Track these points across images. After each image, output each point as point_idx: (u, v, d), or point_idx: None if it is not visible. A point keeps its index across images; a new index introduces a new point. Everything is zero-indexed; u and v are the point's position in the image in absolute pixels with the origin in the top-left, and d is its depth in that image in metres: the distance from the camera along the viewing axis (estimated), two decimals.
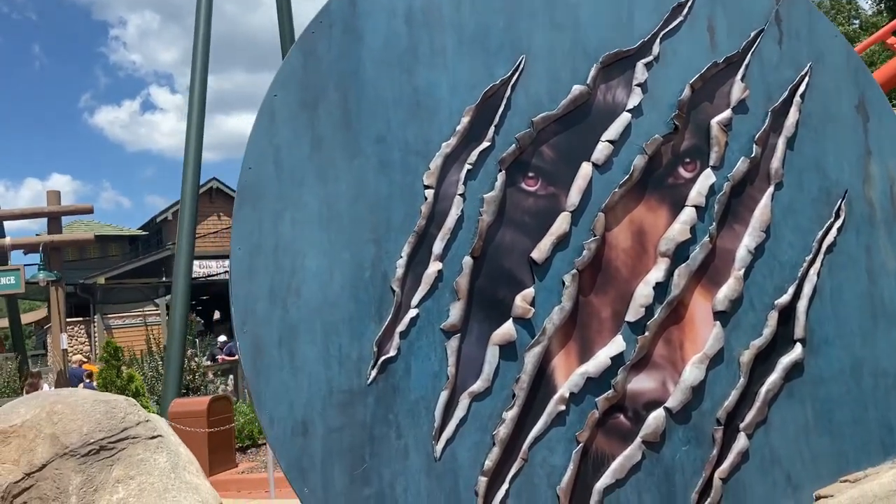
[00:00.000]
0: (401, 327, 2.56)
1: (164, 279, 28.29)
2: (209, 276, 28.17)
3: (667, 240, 2.78)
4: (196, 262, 31.03)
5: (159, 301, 28.63)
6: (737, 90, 2.94)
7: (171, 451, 2.68)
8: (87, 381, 14.01)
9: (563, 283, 2.68)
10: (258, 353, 2.44)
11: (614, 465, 2.63)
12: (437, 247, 2.63)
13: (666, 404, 2.70)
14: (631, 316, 2.72)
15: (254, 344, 2.44)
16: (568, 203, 2.74)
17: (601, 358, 2.68)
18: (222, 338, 14.89)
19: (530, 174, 2.76)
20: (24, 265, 9.82)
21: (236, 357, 11.81)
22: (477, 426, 2.56)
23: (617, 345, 2.69)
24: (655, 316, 2.73)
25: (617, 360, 2.68)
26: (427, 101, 2.70)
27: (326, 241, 2.55)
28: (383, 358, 2.53)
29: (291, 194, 2.54)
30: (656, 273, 2.76)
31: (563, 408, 2.62)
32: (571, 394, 2.63)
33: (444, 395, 2.55)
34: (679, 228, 2.80)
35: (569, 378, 2.65)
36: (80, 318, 27.28)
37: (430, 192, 2.65)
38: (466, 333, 2.61)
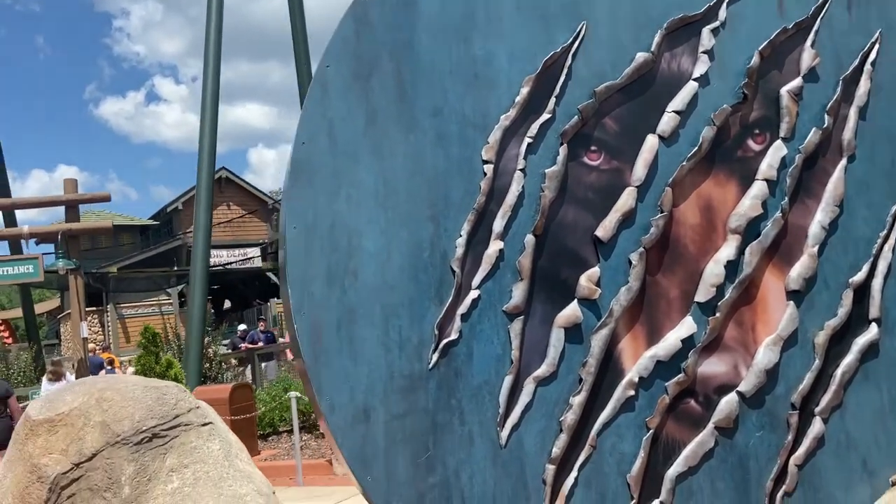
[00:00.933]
0: (462, 309, 2.44)
1: (175, 268, 28.32)
2: (219, 265, 28.16)
3: (737, 215, 2.64)
4: None
5: (171, 290, 28.68)
6: (807, 57, 2.78)
7: (222, 439, 2.57)
8: (109, 367, 14.00)
9: (630, 263, 2.55)
10: (316, 338, 2.32)
11: (686, 451, 2.51)
12: (498, 225, 2.50)
13: (738, 388, 2.57)
14: (701, 296, 2.59)
15: (312, 328, 2.32)
16: (633, 178, 2.60)
17: (671, 340, 2.55)
18: (242, 326, 14.85)
19: (593, 148, 2.61)
20: (42, 254, 9.75)
21: (258, 345, 11.81)
22: (543, 412, 2.44)
23: (687, 326, 2.56)
24: (726, 296, 2.59)
25: (687, 342, 2.55)
26: (485, 72, 2.56)
27: (383, 219, 2.42)
28: (445, 341, 2.40)
29: (346, 170, 2.41)
30: (727, 251, 2.62)
31: (631, 393, 2.50)
32: (640, 378, 2.51)
33: (508, 380, 2.43)
34: (750, 203, 2.65)
35: (637, 362, 2.53)
36: (94, 308, 27.34)
37: (489, 168, 2.51)
38: (529, 315, 2.49)
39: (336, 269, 2.37)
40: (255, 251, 29.90)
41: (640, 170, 2.60)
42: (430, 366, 2.39)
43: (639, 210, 2.59)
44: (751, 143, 2.72)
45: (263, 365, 11.18)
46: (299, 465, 6.45)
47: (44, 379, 11.39)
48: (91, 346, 14.31)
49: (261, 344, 11.47)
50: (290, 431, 9.40)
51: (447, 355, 2.41)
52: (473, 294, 2.45)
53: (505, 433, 2.40)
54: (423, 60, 2.52)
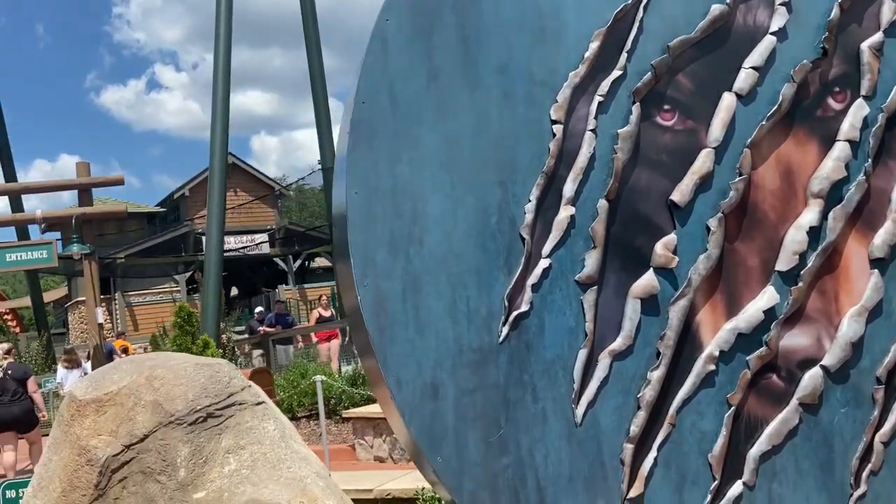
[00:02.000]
0: (532, 279, 2.29)
1: (183, 255, 28.23)
2: (227, 251, 28.05)
3: (819, 178, 2.48)
4: None
5: (179, 277, 28.62)
6: (887, 10, 2.60)
7: (276, 419, 2.44)
8: (124, 355, 13.94)
9: (709, 229, 2.39)
10: (381, 309, 2.17)
11: (769, 429, 2.37)
12: (568, 189, 2.34)
13: (822, 362, 2.42)
14: (782, 264, 2.43)
15: (376, 298, 2.17)
16: (710, 138, 2.44)
17: (752, 312, 2.39)
18: (259, 308, 14.74)
19: (666, 107, 2.45)
20: (56, 240, 9.63)
21: (276, 328, 11.69)
22: (619, 388, 2.30)
23: (769, 296, 2.40)
24: (809, 264, 2.44)
25: (769, 313, 2.40)
26: (552, 25, 2.39)
27: (448, 183, 2.27)
28: (515, 313, 2.26)
29: (409, 131, 2.25)
30: (809, 216, 2.46)
31: (712, 367, 2.35)
32: (721, 352, 2.36)
33: (582, 354, 2.28)
34: (832, 166, 2.49)
35: (717, 334, 2.38)
36: (102, 296, 27.31)
37: (558, 128, 2.35)
38: (603, 285, 2.34)
39: (400, 236, 2.22)
40: (262, 237, 29.78)
41: (717, 130, 2.44)
42: (501, 339, 2.24)
43: (716, 173, 2.43)
44: (831, 101, 2.55)
45: (279, 349, 11.08)
46: (326, 451, 6.34)
47: (59, 366, 11.37)
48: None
49: (279, 328, 11.36)
50: (310, 417, 9.32)
51: (518, 328, 2.26)
52: (544, 263, 2.30)
53: (580, 410, 2.26)
54: (486, 14, 2.35)
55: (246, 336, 13.86)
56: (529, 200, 2.31)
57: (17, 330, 29.97)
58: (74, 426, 2.26)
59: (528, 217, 2.30)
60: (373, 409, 7.84)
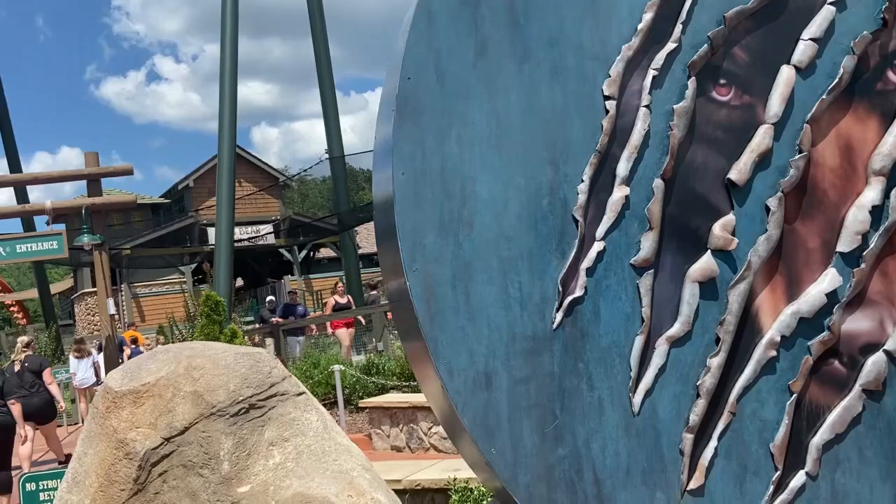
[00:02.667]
0: (586, 263, 2.19)
1: (188, 246, 28.16)
2: (234, 240, 27.95)
3: (881, 155, 2.37)
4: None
5: (184, 269, 28.57)
6: None
7: (318, 410, 2.35)
8: (134, 346, 13.88)
9: (768, 209, 2.29)
10: (431, 295, 2.07)
11: (832, 417, 2.27)
12: (622, 168, 2.24)
13: (885, 347, 2.32)
14: (844, 245, 2.33)
15: (426, 284, 2.07)
16: (769, 114, 2.33)
17: (814, 295, 2.29)
18: (270, 298, 14.70)
19: (722, 81, 2.34)
20: (66, 230, 9.53)
21: (290, 319, 11.60)
22: (678, 376, 2.20)
23: (831, 279, 2.30)
24: (871, 245, 2.33)
25: (831, 297, 2.30)
26: None
27: (498, 163, 2.16)
28: (569, 298, 2.16)
29: (456, 108, 2.15)
30: (871, 194, 2.35)
31: (773, 353, 2.25)
32: (782, 337, 2.26)
33: (639, 341, 2.19)
34: (894, 142, 2.38)
35: (777, 319, 2.28)
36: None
37: (611, 104, 2.24)
38: (659, 269, 2.23)
39: (449, 218, 2.12)
40: (267, 228, 29.69)
41: (776, 105, 2.33)
42: (555, 326, 2.14)
43: (775, 150, 2.32)
44: (891, 74, 2.44)
45: (289, 340, 10.98)
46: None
47: (70, 357, 11.38)
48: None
49: (292, 318, 11.27)
50: (324, 407, 9.25)
51: (572, 314, 2.16)
52: (598, 246, 2.20)
53: (637, 399, 2.17)
54: None
55: (256, 326, 13.84)
56: (582, 180, 2.21)
57: (24, 322, 29.98)
58: (111, 419, 2.17)
59: (581, 198, 2.20)
60: (389, 399, 7.77)
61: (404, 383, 8.42)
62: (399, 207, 2.08)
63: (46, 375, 8.13)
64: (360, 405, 8.27)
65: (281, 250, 30.08)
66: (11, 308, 32.28)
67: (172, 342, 15.89)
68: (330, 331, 11.28)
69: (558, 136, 2.21)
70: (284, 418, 2.21)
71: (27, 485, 4.59)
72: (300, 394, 2.32)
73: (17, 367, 8.00)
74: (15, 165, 19.70)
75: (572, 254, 2.18)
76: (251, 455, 2.11)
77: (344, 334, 10.97)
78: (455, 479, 3.53)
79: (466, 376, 2.07)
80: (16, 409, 6.99)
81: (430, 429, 7.16)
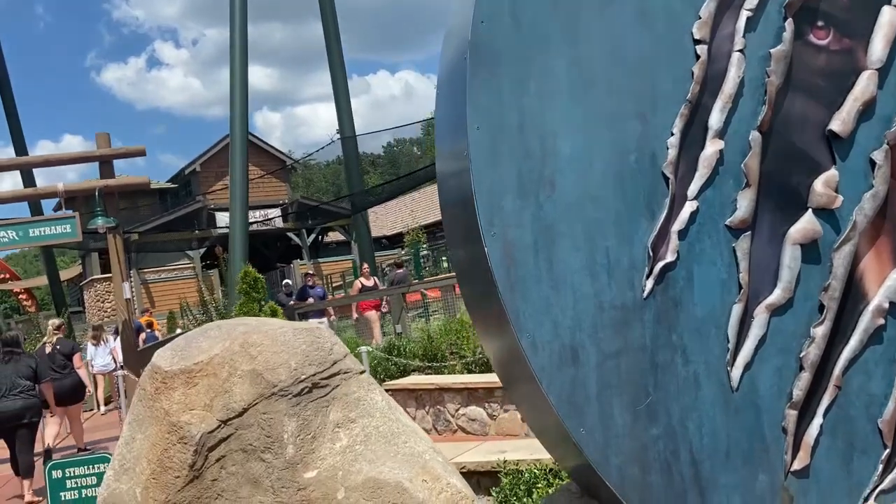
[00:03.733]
0: (677, 225, 1.99)
1: (196, 231, 27.99)
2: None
3: None
4: (227, 214, 30.68)
5: (193, 253, 28.44)
6: None
7: (380, 389, 2.17)
8: (150, 331, 13.78)
9: (874, 163, 2.08)
10: (511, 262, 1.88)
11: None
12: (715, 120, 2.03)
13: None
14: None
15: (505, 250, 1.88)
16: (871, 58, 2.11)
17: None
18: (287, 281, 14.54)
19: (819, 23, 2.12)
20: (78, 214, 9.35)
21: (309, 301, 11.43)
22: (779, 347, 2.01)
23: None
24: None
25: None
26: None
27: (580, 116, 1.96)
28: (660, 264, 1.96)
29: (534, 57, 1.94)
30: None
31: (880, 321, 2.06)
32: (891, 304, 2.07)
33: (736, 310, 1.99)
34: None
35: (883, 284, 2.08)
36: None
37: (702, 49, 2.03)
38: (757, 230, 2.04)
39: (529, 177, 1.92)
40: (275, 212, 29.49)
41: (879, 49, 2.11)
42: (645, 294, 1.95)
43: (879, 98, 2.11)
44: None
45: (311, 322, 10.74)
46: None
47: (88, 343, 11.31)
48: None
49: (311, 300, 11.10)
50: None
51: (663, 281, 1.97)
52: (690, 206, 2.00)
53: (736, 373, 1.98)
54: None
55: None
56: (672, 134, 2.00)
57: (33, 309, 29.99)
58: (161, 400, 1.99)
59: (671, 153, 2.00)
60: (414, 381, 7.61)
61: (427, 364, 8.26)
62: (475, 166, 1.88)
63: (76, 359, 8.14)
64: (385, 388, 8.11)
65: (289, 234, 29.91)
66: (20, 296, 32.28)
67: (185, 329, 15.79)
68: (360, 312, 11.13)
69: (645, 86, 2.00)
70: (349, 398, 2.03)
71: (53, 472, 4.46)
72: (362, 372, 2.14)
73: (48, 349, 7.98)
74: (21, 151, 19.54)
75: (663, 215, 1.98)
76: (316, 438, 1.94)
77: (374, 316, 10.80)
78: (505, 462, 3.39)
79: (551, 350, 1.88)
80: (48, 391, 6.93)
81: (457, 410, 7.01)
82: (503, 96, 1.92)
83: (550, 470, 3.40)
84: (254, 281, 8.05)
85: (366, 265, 12.88)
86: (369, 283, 11.57)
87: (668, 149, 2.00)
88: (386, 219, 36.80)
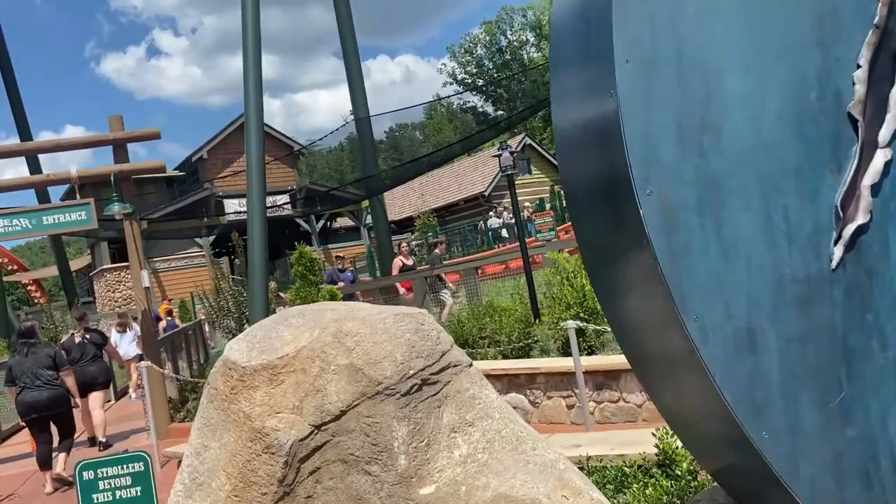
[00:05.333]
0: (869, 178, 1.62)
1: (205, 219, 27.68)
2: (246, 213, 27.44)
3: None
4: (235, 201, 30.38)
5: (202, 241, 28.16)
6: None
7: (490, 385, 1.82)
8: (169, 318, 13.50)
9: None
10: (671, 226, 1.52)
11: None
12: None
13: None
14: None
15: (664, 212, 1.52)
16: None
17: None
18: None
19: None
20: (93, 200, 9.02)
21: (340, 285, 11.06)
22: None
23: None
24: None
25: None
26: None
27: (749, 44, 1.59)
28: (850, 227, 1.60)
29: None
30: None
31: None
32: None
33: None
34: None
35: None
36: (126, 264, 26.90)
37: None
38: None
39: (690, 122, 1.55)
40: (283, 198, 29.13)
41: None
42: (833, 265, 1.59)
43: None
44: None
45: None
46: None
47: (113, 331, 11.05)
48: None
49: (341, 284, 10.72)
50: None
51: (855, 248, 1.61)
52: (883, 155, 1.63)
53: None
54: None
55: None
56: (858, 66, 1.63)
57: (43, 300, 29.81)
58: (239, 402, 1.65)
59: (859, 90, 1.63)
60: None
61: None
62: (626, 109, 1.52)
63: (110, 348, 8.15)
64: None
65: (298, 221, 29.59)
66: (29, 287, 32.09)
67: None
68: (402, 291, 10.69)
69: (825, 8, 1.63)
70: (462, 396, 1.68)
71: (84, 473, 4.14)
72: (470, 364, 1.79)
73: (77, 339, 7.85)
74: (27, 140, 19.22)
75: (851, 166, 1.61)
76: (430, 445, 1.59)
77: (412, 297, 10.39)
78: (588, 458, 3.07)
79: (724, 335, 1.52)
80: (70, 378, 6.74)
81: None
82: (656, 22, 1.54)
83: (640, 467, 3.08)
84: (310, 263, 7.56)
85: (404, 244, 12.42)
86: (409, 261, 11.06)
87: (854, 84, 1.63)
88: (393, 204, 36.39)
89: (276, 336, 1.72)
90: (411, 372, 1.64)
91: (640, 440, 3.50)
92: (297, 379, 1.64)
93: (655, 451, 3.03)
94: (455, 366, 1.75)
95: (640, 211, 1.51)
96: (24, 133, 19.18)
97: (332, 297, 7.12)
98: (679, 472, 2.84)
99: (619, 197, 1.56)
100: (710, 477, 2.91)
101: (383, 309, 1.83)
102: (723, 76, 1.57)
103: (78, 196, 8.49)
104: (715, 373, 1.51)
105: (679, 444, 3.03)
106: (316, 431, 1.60)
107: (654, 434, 3.06)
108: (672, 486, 2.78)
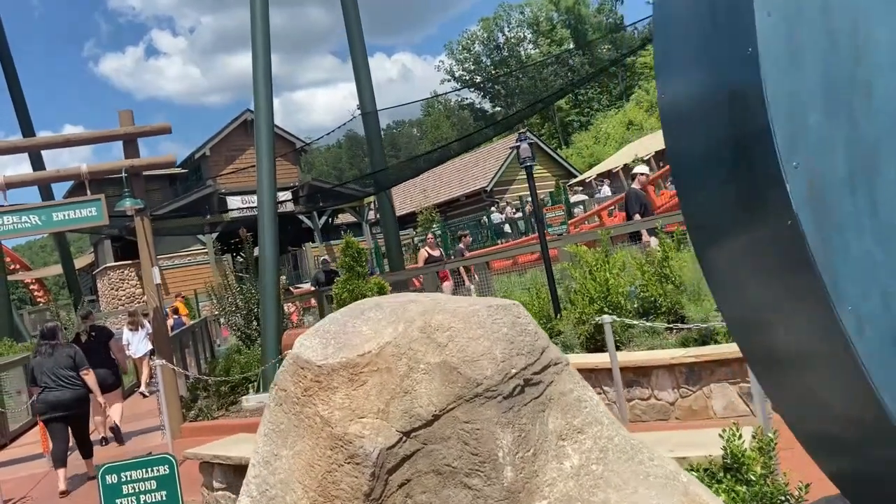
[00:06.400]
0: None
1: (208, 216, 27.50)
2: (251, 208, 27.24)
3: None
4: (238, 198, 30.19)
5: (205, 238, 27.99)
6: None
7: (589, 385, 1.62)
8: (176, 317, 13.29)
9: None
10: (821, 204, 1.33)
11: None
12: None
13: None
14: None
15: (812, 188, 1.33)
16: None
17: None
18: (325, 257, 13.97)
19: None
20: (104, 196, 8.81)
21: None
22: None
23: None
24: None
25: None
26: None
27: None
28: None
29: None
30: None
31: None
32: None
33: None
34: None
35: None
36: (129, 262, 26.69)
37: None
38: None
39: (838, 81, 1.36)
40: (286, 195, 28.95)
41: None
42: None
43: None
44: None
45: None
46: None
47: (125, 329, 10.91)
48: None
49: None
50: None
51: None
52: None
53: None
54: None
55: (311, 289, 13.18)
56: None
57: (45, 299, 29.63)
58: (315, 404, 1.44)
59: None
60: None
61: None
62: (768, 69, 1.32)
63: (114, 346, 8.01)
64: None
65: (300, 217, 29.43)
66: (31, 286, 31.92)
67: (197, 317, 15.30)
68: (416, 286, 10.48)
69: None
70: (567, 398, 1.48)
71: (107, 477, 3.96)
72: (568, 363, 1.59)
73: (83, 338, 7.76)
74: (27, 129, 19.04)
75: None
76: (538, 455, 1.39)
77: (447, 289, 10.19)
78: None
79: (882, 330, 1.33)
80: (90, 377, 6.65)
81: None
82: None
83: (707, 470, 2.89)
84: (357, 253, 7.22)
85: (430, 234, 12.16)
86: (436, 252, 10.79)
87: None
88: (394, 200, 36.26)
89: (353, 331, 1.51)
90: (513, 371, 1.45)
91: (699, 441, 3.31)
92: (382, 379, 1.43)
93: (722, 453, 2.84)
94: (556, 364, 1.55)
95: (787, 186, 1.31)
96: (27, 131, 18.96)
97: (381, 290, 6.88)
98: (753, 477, 2.66)
99: (755, 171, 1.37)
100: (786, 481, 2.73)
101: (475, 300, 1.62)
102: (873, 26, 1.37)
103: (88, 192, 8.30)
104: (872, 371, 1.31)
105: (747, 445, 2.85)
106: (405, 438, 1.40)
107: (720, 435, 2.87)
108: (747, 492, 2.59)
